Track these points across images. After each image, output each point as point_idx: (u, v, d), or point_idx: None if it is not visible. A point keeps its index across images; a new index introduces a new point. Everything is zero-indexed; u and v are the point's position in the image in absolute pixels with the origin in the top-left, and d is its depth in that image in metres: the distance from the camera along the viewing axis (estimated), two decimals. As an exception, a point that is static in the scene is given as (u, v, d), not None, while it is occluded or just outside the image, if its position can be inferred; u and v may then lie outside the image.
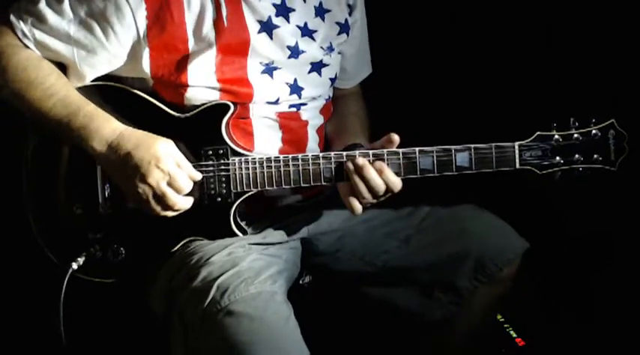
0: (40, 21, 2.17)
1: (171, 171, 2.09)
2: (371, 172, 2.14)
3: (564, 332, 2.79)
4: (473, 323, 2.44)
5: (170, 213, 2.15)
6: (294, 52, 2.31)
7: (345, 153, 2.19)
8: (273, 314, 2.01)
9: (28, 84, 2.16)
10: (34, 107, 2.16)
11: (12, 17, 2.19)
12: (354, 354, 2.77)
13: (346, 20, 2.43)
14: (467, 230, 2.35)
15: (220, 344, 1.96)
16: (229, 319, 1.97)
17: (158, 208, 2.13)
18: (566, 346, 2.74)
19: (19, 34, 2.19)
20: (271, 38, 2.27)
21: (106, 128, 2.13)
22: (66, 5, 2.16)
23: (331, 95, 2.51)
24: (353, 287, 2.50)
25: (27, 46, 2.20)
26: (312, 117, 2.42)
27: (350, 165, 2.15)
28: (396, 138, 2.16)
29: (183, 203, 2.14)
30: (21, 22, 2.18)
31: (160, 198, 2.11)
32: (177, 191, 2.11)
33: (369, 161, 2.16)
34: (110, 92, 2.25)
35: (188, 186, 2.13)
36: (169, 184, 2.10)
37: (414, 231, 2.41)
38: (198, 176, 2.17)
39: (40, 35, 2.18)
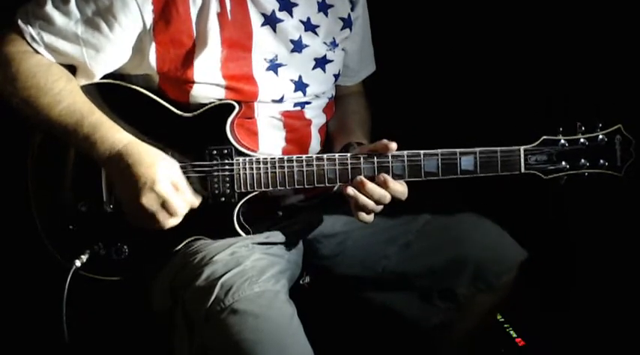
0: (48, 23, 2.16)
1: (165, 194, 2.08)
2: (371, 187, 2.15)
3: (564, 333, 2.79)
4: (470, 328, 2.44)
5: (160, 229, 2.14)
6: (298, 46, 2.31)
7: (349, 154, 2.20)
8: (278, 313, 2.02)
9: (37, 90, 2.15)
10: (42, 114, 2.14)
11: (20, 22, 2.17)
12: (354, 353, 2.77)
13: (349, 15, 2.43)
14: (466, 237, 2.35)
15: (225, 342, 1.97)
16: (234, 317, 1.98)
17: (149, 225, 2.13)
18: (566, 346, 2.73)
19: (28, 39, 2.17)
20: (275, 31, 2.28)
21: (110, 139, 2.12)
22: (72, 6, 2.15)
23: (334, 94, 2.51)
24: (353, 290, 2.50)
25: (36, 51, 2.18)
26: (316, 116, 2.42)
27: (350, 191, 2.17)
28: (392, 146, 2.16)
29: (173, 223, 2.13)
30: (29, 27, 2.17)
31: (151, 218, 2.10)
32: (171, 214, 2.11)
33: (374, 169, 2.17)
34: (116, 91, 2.25)
35: (183, 210, 2.12)
36: (163, 207, 2.09)
37: (414, 237, 2.41)
38: (196, 202, 2.17)
39: (48, 38, 2.17)
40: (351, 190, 2.16)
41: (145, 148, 2.13)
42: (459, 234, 2.36)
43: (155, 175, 2.08)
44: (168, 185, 2.09)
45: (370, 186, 2.15)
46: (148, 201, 2.07)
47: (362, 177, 2.16)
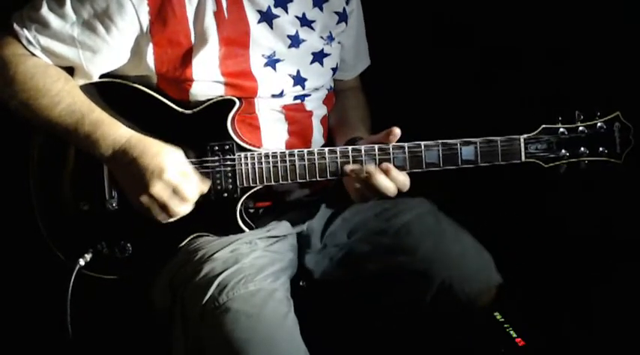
0: (43, 26, 2.16)
1: (174, 181, 2.09)
2: (380, 179, 2.16)
3: (564, 333, 2.78)
4: (444, 338, 2.40)
5: (173, 219, 2.15)
6: (295, 41, 2.33)
7: (350, 147, 2.20)
8: (271, 312, 2.02)
9: (36, 92, 2.15)
10: (42, 116, 2.15)
11: (15, 26, 2.18)
12: (354, 352, 2.76)
13: (344, 9, 2.45)
14: (441, 250, 2.33)
15: (218, 340, 1.98)
16: (227, 316, 1.99)
17: (161, 216, 2.14)
18: (567, 346, 2.73)
19: (24, 42, 2.18)
20: (271, 27, 2.29)
21: (112, 135, 2.13)
22: (68, 8, 2.16)
23: (333, 85, 2.52)
24: (337, 293, 2.47)
25: (33, 54, 2.19)
26: (316, 107, 2.43)
27: (357, 172, 2.18)
28: (397, 131, 2.17)
29: (185, 211, 2.14)
30: (25, 30, 2.17)
31: (163, 208, 2.11)
32: (183, 200, 2.11)
33: (375, 161, 2.18)
34: (116, 89, 2.25)
35: (194, 196, 2.13)
36: (174, 194, 2.10)
37: (389, 238, 2.39)
38: (206, 187, 2.18)
39: (44, 41, 2.17)
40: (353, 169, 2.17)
41: (148, 140, 2.14)
42: (436, 245, 2.34)
43: (162, 164, 2.08)
44: (176, 172, 2.09)
45: (378, 177, 2.16)
46: (158, 190, 2.08)
47: (374, 167, 2.17)
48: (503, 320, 2.74)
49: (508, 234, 2.40)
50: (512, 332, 2.73)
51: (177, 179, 2.09)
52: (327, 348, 2.21)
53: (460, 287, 2.29)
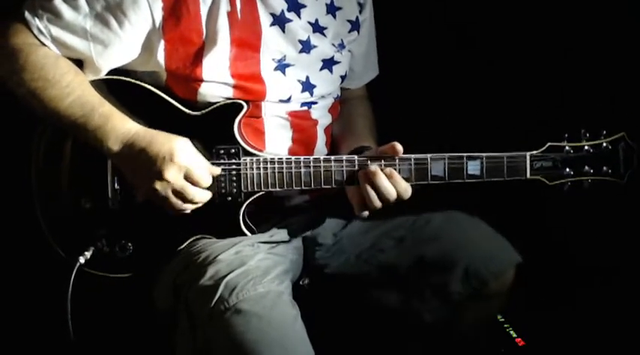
0: (55, 17, 2.15)
1: (187, 164, 2.10)
2: (382, 179, 2.16)
3: (564, 333, 2.80)
4: (466, 330, 2.43)
5: (190, 207, 2.15)
6: (306, 46, 2.32)
7: (356, 156, 2.20)
8: (281, 314, 2.02)
9: (45, 82, 2.14)
10: (50, 106, 2.14)
11: (27, 14, 2.17)
12: (356, 353, 2.78)
13: (357, 18, 2.44)
14: (461, 234, 2.34)
15: (228, 341, 1.97)
16: (237, 317, 1.98)
17: (179, 203, 2.14)
18: (567, 346, 2.75)
19: (35, 31, 2.17)
20: (283, 31, 2.28)
21: (121, 128, 2.13)
22: (81, 0, 2.15)
23: (339, 94, 2.51)
24: (350, 288, 2.49)
25: (43, 44, 2.18)
26: (322, 116, 2.42)
27: (362, 173, 2.17)
28: (399, 148, 2.17)
29: (202, 195, 2.15)
30: (36, 19, 2.16)
31: (179, 193, 2.11)
32: (196, 183, 2.12)
33: (381, 167, 2.17)
34: (123, 87, 2.24)
35: (206, 179, 2.14)
36: (186, 177, 2.11)
37: (409, 231, 2.40)
38: (217, 170, 2.18)
39: (56, 31, 2.16)
40: (362, 173, 2.17)
41: (156, 131, 2.15)
42: (453, 231, 2.35)
43: (172, 148, 2.09)
44: (187, 155, 2.11)
45: (381, 177, 2.15)
46: (172, 174, 2.08)
47: (376, 167, 2.17)
48: (503, 320, 2.76)
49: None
50: (512, 332, 2.75)
51: (188, 162, 2.10)
52: (328, 350, 2.22)
53: (485, 266, 2.28)
